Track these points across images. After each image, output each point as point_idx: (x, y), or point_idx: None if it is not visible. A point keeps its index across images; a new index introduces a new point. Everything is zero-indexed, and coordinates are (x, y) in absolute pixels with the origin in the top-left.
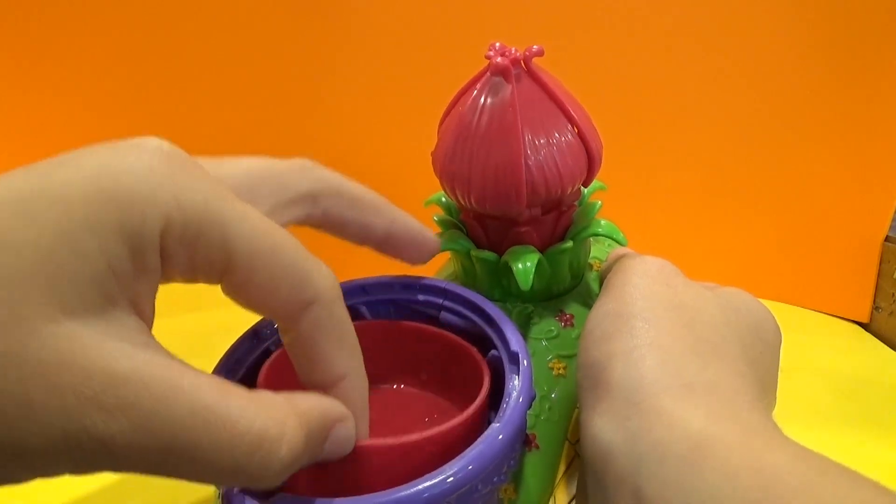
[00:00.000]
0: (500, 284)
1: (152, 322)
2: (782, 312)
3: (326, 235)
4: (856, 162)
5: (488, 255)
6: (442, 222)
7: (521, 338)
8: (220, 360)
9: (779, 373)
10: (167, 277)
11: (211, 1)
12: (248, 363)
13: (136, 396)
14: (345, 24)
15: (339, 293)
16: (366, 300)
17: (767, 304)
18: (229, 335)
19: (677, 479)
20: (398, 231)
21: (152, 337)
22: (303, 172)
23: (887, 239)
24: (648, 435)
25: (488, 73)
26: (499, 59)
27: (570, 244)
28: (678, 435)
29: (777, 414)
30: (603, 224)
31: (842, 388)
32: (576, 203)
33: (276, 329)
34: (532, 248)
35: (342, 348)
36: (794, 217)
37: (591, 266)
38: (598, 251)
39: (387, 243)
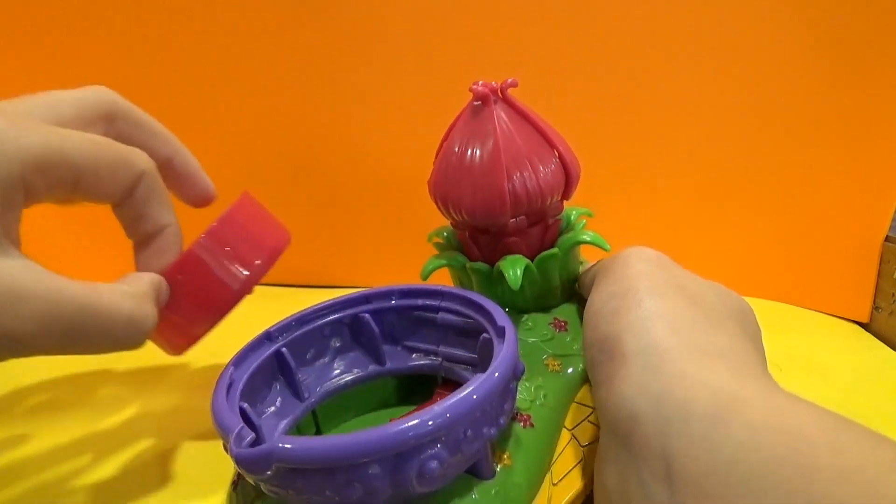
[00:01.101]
0: (496, 294)
1: (20, 244)
2: (782, 312)
3: (333, 250)
4: (856, 162)
5: (482, 266)
6: (439, 245)
7: (508, 318)
8: (235, 357)
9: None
10: (33, 202)
11: (220, 16)
12: (258, 361)
13: (36, 305)
14: (360, 54)
15: (155, 166)
16: (369, 308)
17: (768, 303)
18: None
19: (704, 436)
20: (179, 163)
21: (28, 258)
22: (98, 97)
23: (887, 239)
24: (672, 397)
25: (471, 101)
26: (478, 88)
27: (556, 251)
28: (702, 394)
29: None
30: (588, 233)
31: (842, 387)
32: (560, 217)
33: (285, 332)
34: (521, 255)
35: (164, 205)
36: (794, 217)
37: None
38: None
39: (166, 171)
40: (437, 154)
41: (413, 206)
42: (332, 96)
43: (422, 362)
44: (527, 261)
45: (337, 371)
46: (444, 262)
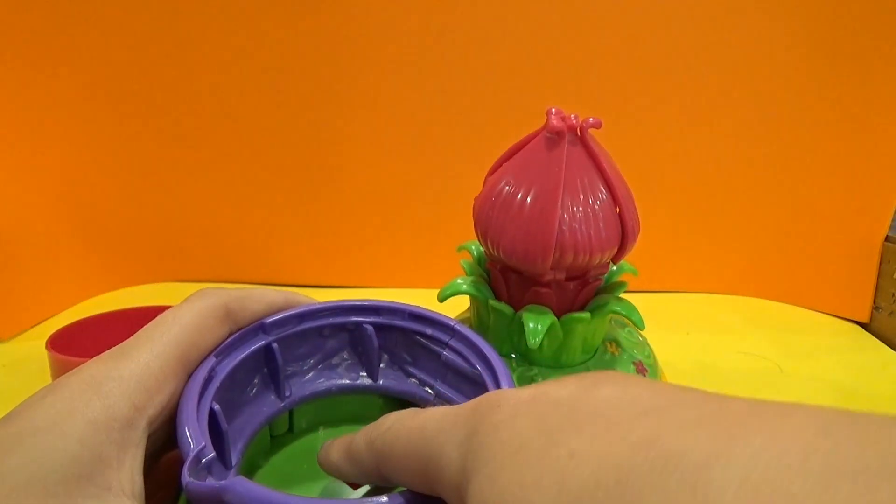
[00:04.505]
0: (511, 340)
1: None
2: (782, 312)
3: (342, 241)
4: (856, 162)
5: (505, 307)
6: (469, 266)
7: (513, 383)
8: (221, 345)
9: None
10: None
11: (229, 14)
12: (246, 352)
13: None
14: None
15: None
16: (374, 321)
17: (768, 303)
18: None
19: None
20: (291, 303)
21: None
22: (209, 308)
23: (887, 239)
24: None
25: (544, 132)
26: (555, 122)
27: (587, 315)
28: None
29: None
30: (623, 303)
31: (842, 388)
32: (602, 277)
33: (282, 326)
34: (548, 309)
35: None
36: (794, 217)
37: (605, 346)
38: (617, 333)
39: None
40: (490, 172)
41: (415, 206)
42: (335, 97)
43: (415, 391)
44: (553, 317)
45: (325, 375)
46: (466, 290)
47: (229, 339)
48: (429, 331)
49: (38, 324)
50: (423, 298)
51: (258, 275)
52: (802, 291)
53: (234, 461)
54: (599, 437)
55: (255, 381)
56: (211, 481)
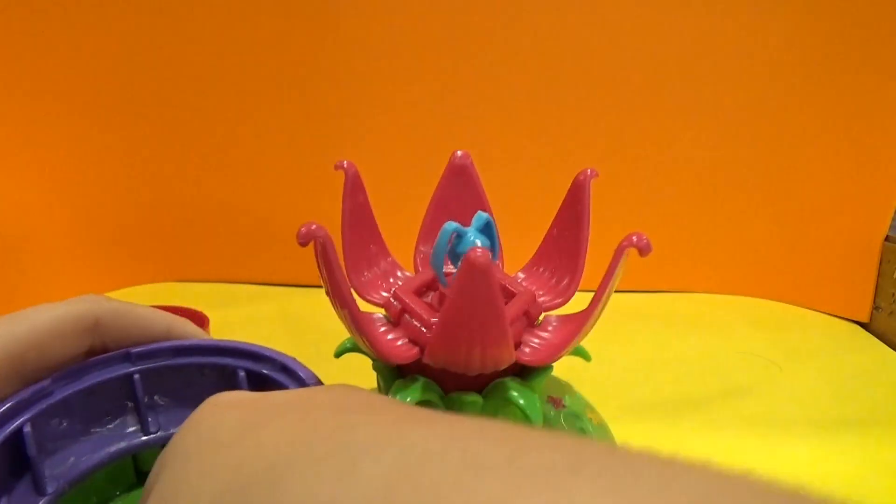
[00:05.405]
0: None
1: None
2: (782, 312)
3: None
4: (856, 162)
5: (384, 374)
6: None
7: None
8: (72, 367)
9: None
10: None
11: (219, 18)
12: (101, 378)
13: None
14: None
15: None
16: (248, 367)
17: (768, 303)
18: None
19: None
20: (177, 333)
21: None
22: (79, 312)
23: (887, 239)
24: None
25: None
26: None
27: (477, 399)
28: None
29: (777, 414)
30: (525, 393)
31: (842, 388)
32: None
33: (150, 358)
34: (420, 383)
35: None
36: (794, 217)
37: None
38: (558, 389)
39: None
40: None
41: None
42: (336, 99)
43: None
44: (422, 395)
45: None
46: (353, 348)
47: (88, 361)
48: (293, 385)
49: None
50: None
51: (257, 275)
52: (802, 291)
53: (50, 489)
54: (289, 424)
55: (115, 410)
56: None
